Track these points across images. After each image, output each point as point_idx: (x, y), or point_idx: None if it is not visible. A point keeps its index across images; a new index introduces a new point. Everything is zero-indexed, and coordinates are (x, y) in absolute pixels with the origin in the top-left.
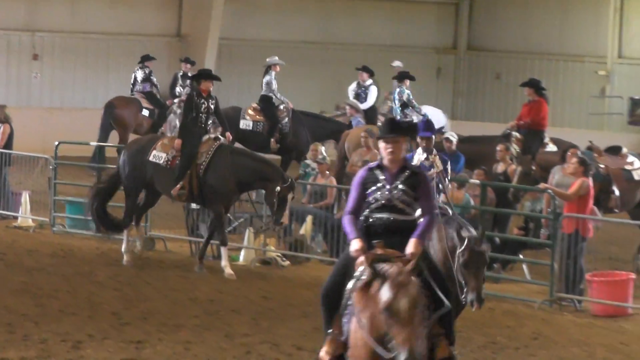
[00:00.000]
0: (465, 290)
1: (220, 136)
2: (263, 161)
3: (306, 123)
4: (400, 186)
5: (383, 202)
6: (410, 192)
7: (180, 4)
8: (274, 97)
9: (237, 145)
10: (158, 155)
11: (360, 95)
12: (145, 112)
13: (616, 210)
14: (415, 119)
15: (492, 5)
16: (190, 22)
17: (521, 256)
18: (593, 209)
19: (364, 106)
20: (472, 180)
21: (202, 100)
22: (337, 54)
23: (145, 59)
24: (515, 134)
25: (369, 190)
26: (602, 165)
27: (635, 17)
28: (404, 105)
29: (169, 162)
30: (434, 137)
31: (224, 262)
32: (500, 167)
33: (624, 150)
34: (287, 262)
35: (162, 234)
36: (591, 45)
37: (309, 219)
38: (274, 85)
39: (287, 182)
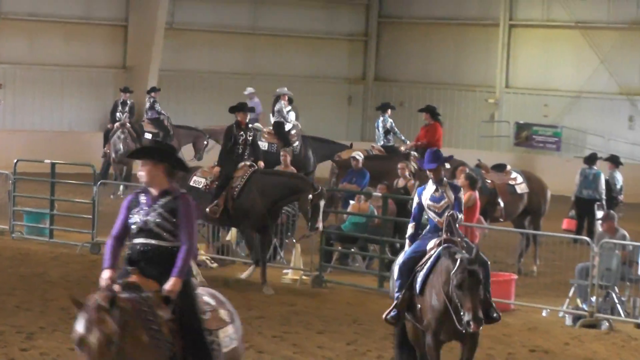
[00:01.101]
0: (462, 312)
1: (254, 164)
2: (292, 176)
3: (313, 145)
4: (158, 210)
5: (140, 226)
6: (169, 217)
7: (125, 39)
8: (285, 122)
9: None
10: (198, 180)
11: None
12: (148, 136)
13: (501, 220)
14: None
15: (396, 42)
16: (134, 55)
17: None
18: (480, 218)
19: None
20: (375, 194)
21: (241, 132)
22: (261, 84)
23: (151, 91)
24: (414, 153)
25: (130, 214)
26: (489, 181)
27: (520, 52)
28: (387, 132)
29: (207, 186)
30: (442, 167)
31: (245, 274)
32: (400, 182)
33: (508, 167)
34: (215, 264)
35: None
36: (482, 77)
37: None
38: (284, 112)
39: (318, 190)
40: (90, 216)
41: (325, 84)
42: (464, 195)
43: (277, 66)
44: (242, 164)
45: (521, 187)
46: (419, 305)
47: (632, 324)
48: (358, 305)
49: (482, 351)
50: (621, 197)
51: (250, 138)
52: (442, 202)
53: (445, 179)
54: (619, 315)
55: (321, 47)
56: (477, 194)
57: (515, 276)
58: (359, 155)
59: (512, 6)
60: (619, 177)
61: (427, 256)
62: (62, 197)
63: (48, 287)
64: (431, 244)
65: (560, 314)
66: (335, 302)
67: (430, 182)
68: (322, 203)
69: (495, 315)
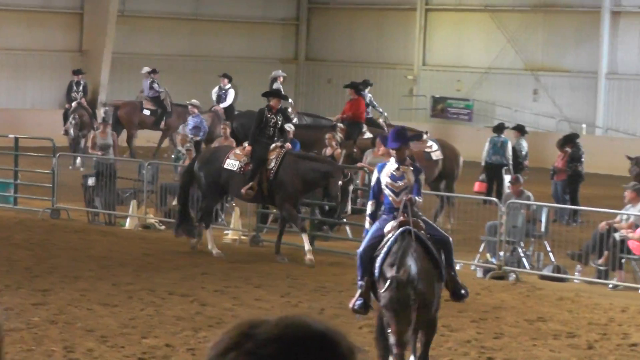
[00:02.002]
0: (388, 331)
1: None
2: (323, 161)
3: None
4: None
5: None
6: None
7: (81, 25)
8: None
9: None
10: (232, 163)
11: (222, 97)
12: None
13: None
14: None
15: (325, 25)
16: (89, 40)
17: (344, 219)
18: None
19: (224, 105)
20: None
21: (272, 116)
22: (204, 64)
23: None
24: (340, 124)
25: None
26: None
27: (435, 33)
28: (367, 105)
29: (242, 168)
30: (406, 147)
31: (307, 247)
32: (328, 151)
33: (425, 136)
34: (163, 227)
35: (66, 205)
36: (401, 56)
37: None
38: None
39: (347, 176)
40: (51, 185)
41: (261, 64)
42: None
43: (218, 49)
44: (274, 145)
45: (436, 154)
46: (379, 291)
47: (536, 276)
48: (291, 262)
49: None
50: (526, 162)
51: (280, 122)
52: (401, 183)
53: (408, 158)
54: (525, 267)
55: (257, 31)
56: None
57: None
58: (290, 127)
59: None
60: (524, 145)
61: (385, 240)
62: (25, 168)
63: (13, 249)
64: (388, 226)
65: (472, 267)
66: (271, 259)
67: (392, 159)
68: (351, 188)
69: (463, 292)
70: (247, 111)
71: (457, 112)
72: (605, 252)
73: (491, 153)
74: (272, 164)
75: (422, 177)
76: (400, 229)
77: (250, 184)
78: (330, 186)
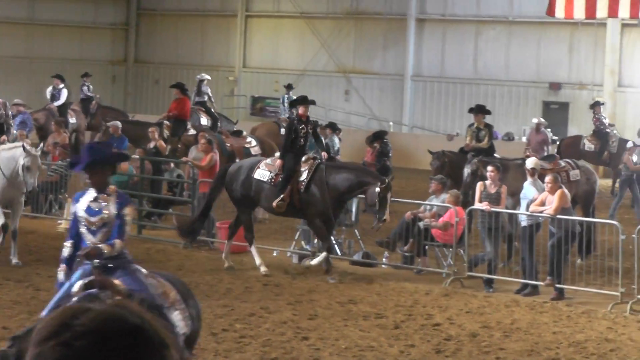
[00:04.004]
0: None
1: (316, 156)
2: (358, 169)
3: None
4: None
5: None
6: None
7: None
8: (208, 101)
9: None
10: (262, 174)
11: (55, 96)
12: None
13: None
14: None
15: (152, 29)
16: None
17: (171, 210)
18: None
19: (57, 103)
20: (133, 156)
21: (302, 125)
22: (38, 66)
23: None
24: (166, 122)
25: None
26: (228, 145)
27: (255, 38)
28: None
29: (272, 180)
30: (104, 170)
31: (315, 261)
32: (152, 144)
33: (244, 133)
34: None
35: None
36: (223, 58)
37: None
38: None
39: (385, 184)
40: None
41: (93, 66)
42: (206, 156)
43: (52, 51)
44: (306, 156)
45: (255, 150)
46: None
47: (346, 261)
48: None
49: (222, 285)
50: (339, 157)
51: (311, 130)
52: (98, 217)
53: (113, 186)
54: (337, 254)
55: (89, 34)
56: (217, 155)
57: None
58: (118, 125)
59: (248, 0)
60: (337, 141)
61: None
62: None
63: None
64: (76, 286)
65: (288, 254)
66: None
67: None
68: (389, 195)
69: None
70: None
71: (275, 111)
72: (411, 240)
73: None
74: (304, 176)
75: (129, 210)
76: (84, 293)
77: (281, 196)
78: (368, 194)
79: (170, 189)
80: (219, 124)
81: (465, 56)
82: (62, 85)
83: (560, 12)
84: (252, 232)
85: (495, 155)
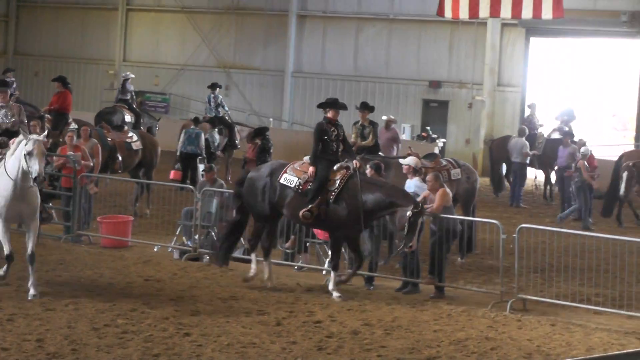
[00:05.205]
0: None
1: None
2: (392, 188)
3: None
4: None
5: None
6: None
7: None
8: (131, 99)
9: None
10: (290, 179)
11: None
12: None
13: (120, 171)
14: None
15: (32, 21)
16: None
17: (51, 204)
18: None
19: None
20: None
21: (332, 129)
22: None
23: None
24: (47, 115)
25: None
26: (109, 139)
27: (135, 32)
28: (217, 105)
29: (301, 187)
30: None
31: (331, 286)
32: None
33: (126, 127)
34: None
35: None
36: (104, 52)
37: None
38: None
39: (419, 208)
40: None
41: None
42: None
43: None
44: (339, 165)
45: (136, 144)
46: None
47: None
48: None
49: (104, 281)
50: (219, 153)
51: (342, 134)
52: None
53: None
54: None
55: None
56: (100, 147)
57: (131, 218)
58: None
59: None
60: (217, 136)
61: None
62: None
63: None
64: None
65: (169, 249)
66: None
67: None
68: (420, 220)
69: None
70: None
71: (155, 105)
72: (292, 236)
73: (186, 143)
74: (335, 185)
75: None
76: None
77: (310, 206)
78: (397, 217)
79: (50, 183)
80: (142, 120)
81: (345, 53)
82: None
83: (448, 12)
84: (259, 239)
85: (380, 153)
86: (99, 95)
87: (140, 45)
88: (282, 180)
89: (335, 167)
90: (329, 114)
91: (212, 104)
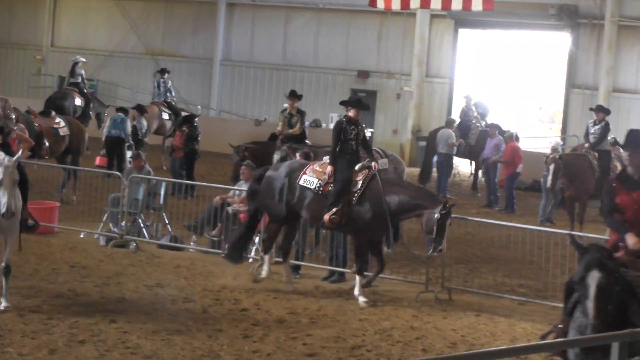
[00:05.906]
0: None
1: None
2: (416, 189)
3: None
4: None
5: None
6: None
7: None
8: (81, 82)
9: None
10: (309, 180)
11: None
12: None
13: (46, 157)
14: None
15: None
16: None
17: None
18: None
19: None
20: None
21: (352, 127)
22: None
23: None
24: None
25: None
26: (36, 124)
27: (64, 17)
28: (167, 91)
29: (321, 188)
30: None
31: (357, 291)
32: None
33: (53, 113)
34: None
35: None
36: (31, 37)
37: None
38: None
39: (446, 209)
40: None
41: None
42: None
43: None
44: (360, 165)
45: (63, 130)
46: None
47: (154, 245)
48: None
49: (30, 267)
50: (146, 140)
51: (362, 133)
52: None
53: None
54: (145, 237)
55: None
56: (27, 133)
57: (58, 204)
58: None
59: None
60: (144, 123)
61: None
62: None
63: None
64: None
65: (96, 236)
66: None
67: None
68: (448, 222)
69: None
70: None
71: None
72: (219, 224)
73: (111, 128)
74: (358, 186)
75: None
76: None
77: (334, 209)
78: (425, 220)
79: None
80: (91, 105)
81: (274, 42)
82: None
83: (380, 3)
84: (273, 241)
85: (306, 141)
86: (25, 80)
87: (68, 31)
88: (301, 182)
89: (356, 167)
90: (350, 113)
91: (161, 88)
